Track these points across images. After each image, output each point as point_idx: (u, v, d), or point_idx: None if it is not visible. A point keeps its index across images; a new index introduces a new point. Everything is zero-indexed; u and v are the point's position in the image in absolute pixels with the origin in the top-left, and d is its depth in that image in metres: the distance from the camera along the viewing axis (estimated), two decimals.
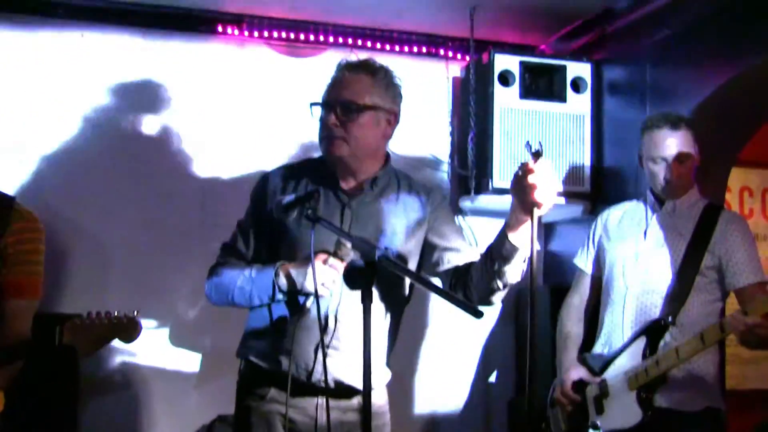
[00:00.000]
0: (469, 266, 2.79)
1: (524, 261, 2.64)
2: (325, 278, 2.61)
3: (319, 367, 2.69)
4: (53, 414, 3.99)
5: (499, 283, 2.69)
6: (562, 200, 4.40)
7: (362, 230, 2.75)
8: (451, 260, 2.85)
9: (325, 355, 2.63)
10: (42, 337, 2.92)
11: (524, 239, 2.57)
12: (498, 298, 2.76)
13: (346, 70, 2.86)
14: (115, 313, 2.94)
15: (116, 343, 2.98)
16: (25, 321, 3.05)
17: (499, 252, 2.63)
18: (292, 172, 2.94)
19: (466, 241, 2.95)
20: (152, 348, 4.36)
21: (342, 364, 2.73)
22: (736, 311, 3.10)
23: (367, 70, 2.85)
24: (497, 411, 4.87)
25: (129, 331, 2.94)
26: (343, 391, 2.76)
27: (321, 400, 2.73)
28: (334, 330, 2.74)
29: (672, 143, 3.43)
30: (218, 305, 2.96)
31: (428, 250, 2.89)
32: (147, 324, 4.13)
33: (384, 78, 2.86)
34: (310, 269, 2.58)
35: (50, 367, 3.64)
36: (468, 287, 2.75)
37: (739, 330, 3.05)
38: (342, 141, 2.78)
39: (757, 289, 3.33)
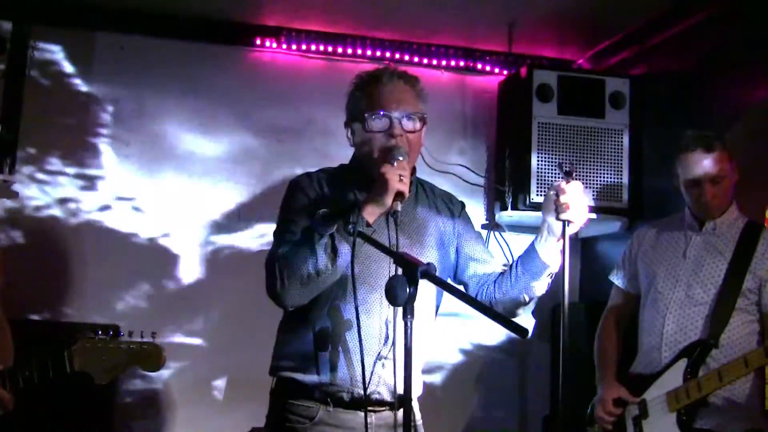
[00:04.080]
0: (493, 277, 2.78)
1: (550, 276, 2.65)
2: (402, 173, 2.53)
3: (375, 379, 2.64)
4: None
5: (526, 297, 2.69)
6: (594, 216, 4.38)
7: (407, 240, 2.69)
8: (476, 270, 2.83)
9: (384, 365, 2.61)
10: (51, 362, 2.61)
11: (554, 256, 2.60)
12: (523, 310, 2.76)
13: (393, 79, 2.74)
14: (132, 338, 2.64)
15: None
16: None
17: (528, 268, 2.64)
18: (325, 179, 2.81)
19: (489, 251, 2.94)
20: (176, 371, 4.34)
21: (398, 375, 2.64)
22: None
23: (408, 80, 2.77)
24: (532, 427, 4.83)
25: (152, 359, 2.66)
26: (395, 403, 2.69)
27: (371, 417, 2.64)
28: (394, 340, 2.62)
29: (705, 166, 3.41)
30: (291, 299, 2.57)
31: (455, 258, 2.86)
32: (170, 346, 4.18)
33: (421, 86, 2.80)
34: (385, 174, 2.51)
35: (63, 397, 3.24)
36: (493, 299, 2.74)
37: None
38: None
39: None
